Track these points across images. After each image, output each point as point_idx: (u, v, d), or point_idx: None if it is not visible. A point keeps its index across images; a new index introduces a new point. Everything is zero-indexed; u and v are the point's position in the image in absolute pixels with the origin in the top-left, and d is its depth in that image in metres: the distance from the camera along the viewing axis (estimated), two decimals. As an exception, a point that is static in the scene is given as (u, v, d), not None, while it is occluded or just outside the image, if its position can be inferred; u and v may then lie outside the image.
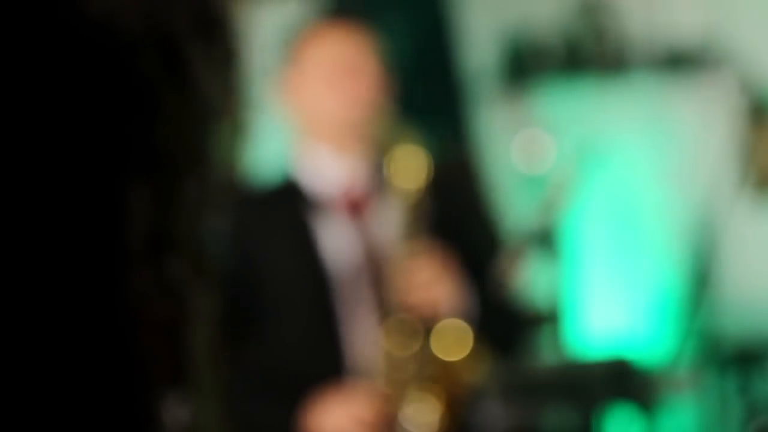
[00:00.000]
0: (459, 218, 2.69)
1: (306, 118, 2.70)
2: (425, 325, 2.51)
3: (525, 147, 5.39)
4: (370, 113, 2.60)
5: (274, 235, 2.64)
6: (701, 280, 3.49)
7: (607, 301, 5.40)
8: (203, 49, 0.64)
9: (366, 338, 2.57)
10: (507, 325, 2.68)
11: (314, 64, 2.65)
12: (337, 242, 2.61)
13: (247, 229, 2.62)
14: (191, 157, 0.65)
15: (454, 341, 2.51)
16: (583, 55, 5.40)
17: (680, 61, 5.47)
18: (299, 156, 2.71)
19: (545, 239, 2.22)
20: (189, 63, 0.64)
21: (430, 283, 2.49)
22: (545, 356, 3.38)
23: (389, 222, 2.62)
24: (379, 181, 2.67)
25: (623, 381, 3.40)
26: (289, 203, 2.66)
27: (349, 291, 2.58)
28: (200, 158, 0.65)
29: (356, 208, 2.65)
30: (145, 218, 0.63)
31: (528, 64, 5.39)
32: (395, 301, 2.51)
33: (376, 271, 2.57)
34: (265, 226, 2.65)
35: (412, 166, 2.55)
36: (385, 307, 2.52)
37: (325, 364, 2.56)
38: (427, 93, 5.00)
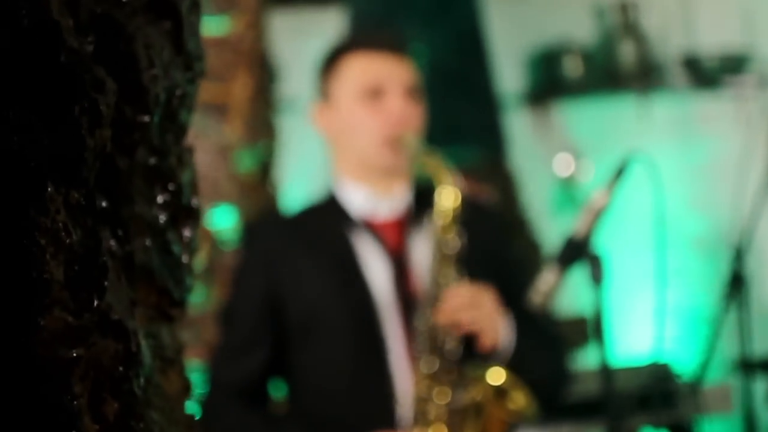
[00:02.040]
0: (492, 250, 2.58)
1: (336, 151, 2.59)
2: (464, 353, 2.39)
3: (562, 166, 5.36)
4: (400, 147, 2.47)
5: (316, 253, 2.52)
6: (731, 291, 3.38)
7: (641, 319, 5.33)
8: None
9: (405, 364, 2.45)
10: (545, 349, 2.55)
11: (341, 94, 2.54)
12: (374, 264, 2.49)
13: (284, 249, 2.51)
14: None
15: (495, 374, 2.38)
16: (618, 73, 5.36)
17: (712, 77, 5.41)
18: (336, 177, 2.60)
19: (581, 257, 2.09)
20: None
21: (469, 308, 2.36)
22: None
23: (423, 250, 2.50)
24: (412, 208, 2.55)
25: (666, 383, 3.31)
26: (329, 221, 2.54)
27: (388, 315, 2.46)
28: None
29: (390, 234, 2.52)
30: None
31: (562, 83, 5.35)
32: (432, 327, 2.38)
33: (411, 296, 2.45)
34: (303, 245, 2.53)
35: (444, 195, 2.43)
36: (421, 334, 2.39)
37: (369, 390, 2.43)
38: (462, 109, 4.94)
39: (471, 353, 2.39)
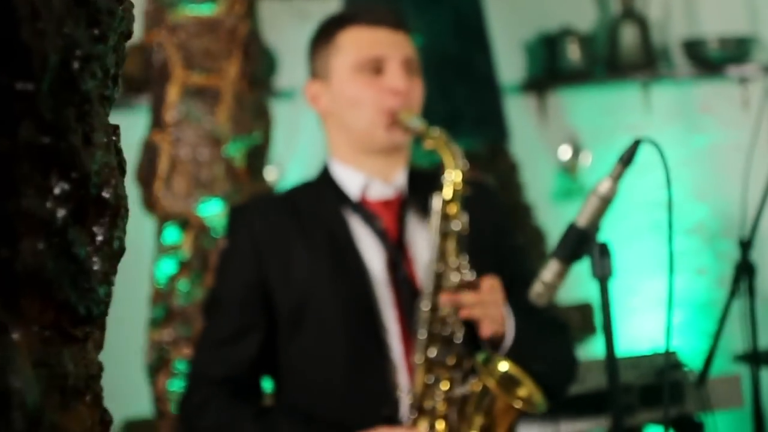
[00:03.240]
0: (495, 231, 2.38)
1: (332, 128, 2.39)
2: (465, 341, 2.19)
3: (563, 153, 5.21)
4: (399, 123, 2.28)
5: (308, 234, 2.32)
6: (736, 284, 3.21)
7: (641, 308, 5.18)
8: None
9: (403, 350, 2.26)
10: (550, 338, 2.36)
11: (338, 69, 2.35)
12: (369, 246, 2.30)
13: (272, 231, 2.31)
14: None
15: (499, 363, 2.19)
16: (620, 60, 5.19)
17: (715, 63, 5.24)
18: (332, 156, 2.40)
19: (584, 249, 1.90)
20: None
21: (474, 302, 2.16)
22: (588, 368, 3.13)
23: (421, 231, 2.31)
24: (408, 188, 2.36)
25: (672, 374, 3.14)
26: (322, 201, 2.35)
27: (384, 300, 2.27)
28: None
29: (386, 215, 2.33)
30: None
31: (563, 70, 5.19)
32: (433, 311, 2.18)
33: (407, 280, 2.26)
34: (294, 226, 2.33)
35: (447, 172, 2.23)
36: (422, 318, 2.19)
37: (366, 380, 2.24)
38: (463, 96, 4.78)
39: (472, 341, 2.20)
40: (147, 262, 3.30)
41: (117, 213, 0.64)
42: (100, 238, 0.62)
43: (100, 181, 0.62)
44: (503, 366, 2.14)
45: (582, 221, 1.95)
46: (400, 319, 2.25)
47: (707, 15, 5.39)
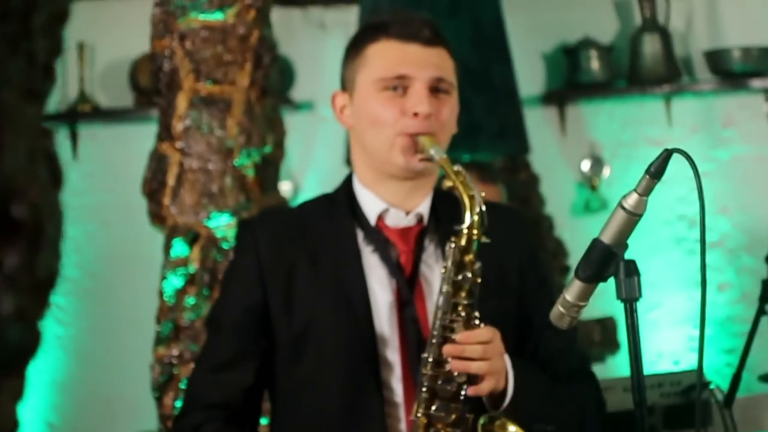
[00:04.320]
0: (519, 273, 2.20)
1: (354, 145, 2.22)
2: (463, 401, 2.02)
3: (583, 166, 5.07)
4: (416, 149, 2.09)
5: (316, 258, 2.15)
6: (763, 301, 3.06)
7: (665, 328, 5.04)
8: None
9: (402, 398, 2.09)
10: (573, 397, 2.18)
11: (362, 84, 2.17)
12: (379, 279, 2.12)
13: (279, 251, 2.15)
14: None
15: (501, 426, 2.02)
16: (641, 71, 5.04)
17: (738, 74, 5.08)
18: (355, 173, 2.23)
19: (610, 268, 1.74)
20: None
21: (480, 355, 1.98)
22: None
23: (436, 266, 2.13)
24: (429, 216, 2.18)
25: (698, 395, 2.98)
26: (336, 223, 2.17)
27: (389, 340, 2.09)
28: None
29: (402, 245, 2.15)
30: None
31: (583, 82, 5.04)
32: (436, 365, 2.00)
33: (416, 320, 2.08)
34: (303, 247, 2.16)
35: (467, 204, 2.04)
36: (425, 370, 2.01)
37: (360, 423, 2.07)
38: (483, 107, 4.63)
39: (470, 398, 2.02)
40: (157, 276, 3.16)
41: (37, 233, 0.49)
42: (11, 265, 0.47)
43: (8, 194, 0.47)
44: (509, 430, 1.98)
45: (607, 238, 1.78)
46: (403, 358, 2.08)
47: (730, 26, 5.23)
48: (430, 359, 2.01)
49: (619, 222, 1.76)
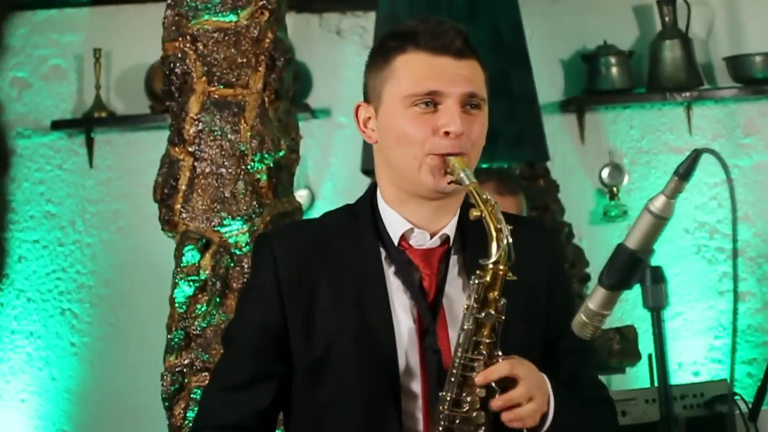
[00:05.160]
0: (544, 293, 2.07)
1: (379, 160, 2.09)
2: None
3: (604, 176, 4.97)
4: (445, 170, 1.98)
5: (338, 278, 2.02)
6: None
7: (686, 338, 4.93)
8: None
9: (424, 421, 1.97)
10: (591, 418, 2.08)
11: (389, 98, 2.03)
12: (402, 303, 2.00)
13: (299, 269, 2.03)
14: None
15: None
16: (661, 77, 4.93)
17: (759, 80, 4.96)
18: (379, 190, 2.09)
19: (635, 275, 1.64)
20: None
21: (523, 397, 1.89)
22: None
23: (462, 291, 2.02)
24: (460, 234, 2.06)
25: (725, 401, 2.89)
26: (359, 241, 2.04)
27: (410, 367, 1.97)
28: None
29: (427, 268, 2.03)
30: None
31: (603, 88, 4.94)
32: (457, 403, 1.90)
33: (438, 348, 1.98)
34: (324, 265, 2.03)
35: (494, 236, 1.92)
36: (439, 415, 1.91)
37: None
38: (502, 114, 4.54)
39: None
40: (168, 283, 3.07)
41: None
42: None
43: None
44: None
45: (632, 243, 1.68)
46: (423, 388, 1.97)
47: (751, 32, 5.12)
48: (448, 398, 1.90)
49: (645, 226, 1.66)
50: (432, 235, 2.03)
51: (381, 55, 2.06)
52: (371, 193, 2.10)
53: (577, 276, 4.58)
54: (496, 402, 1.88)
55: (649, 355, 4.45)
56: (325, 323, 1.99)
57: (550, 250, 2.14)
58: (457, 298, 2.01)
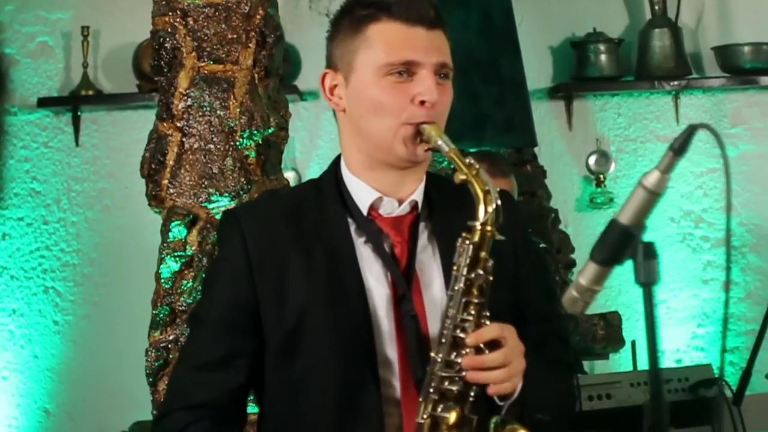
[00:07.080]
0: (513, 258, 2.05)
1: (347, 129, 2.05)
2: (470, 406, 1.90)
3: (590, 163, 4.96)
4: (421, 138, 1.95)
5: (308, 250, 1.98)
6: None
7: (670, 325, 4.93)
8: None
9: (399, 394, 1.95)
10: (556, 383, 2.08)
11: (363, 67, 1.99)
12: (375, 271, 1.98)
13: (268, 243, 1.99)
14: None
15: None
16: (650, 66, 4.92)
17: (747, 70, 4.96)
18: (345, 160, 2.06)
19: (627, 250, 1.62)
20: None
21: (500, 362, 1.87)
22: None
23: (434, 257, 2.01)
24: (428, 200, 2.05)
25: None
26: (328, 212, 2.02)
27: (385, 336, 1.95)
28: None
29: (397, 235, 2.01)
30: None
31: (592, 76, 4.93)
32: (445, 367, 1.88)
33: (414, 315, 1.96)
34: (293, 238, 2.00)
35: (482, 198, 1.89)
36: (431, 377, 1.89)
37: (355, 423, 1.95)
38: (491, 100, 4.52)
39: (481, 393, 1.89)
40: (153, 263, 3.04)
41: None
42: None
43: None
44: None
45: (625, 218, 1.66)
46: (401, 354, 1.95)
47: (740, 22, 5.12)
48: (439, 359, 1.88)
49: (638, 201, 1.64)
50: (400, 202, 2.01)
51: (351, 23, 2.01)
52: (335, 166, 2.07)
53: (562, 261, 4.57)
54: (466, 360, 1.86)
55: (632, 342, 4.45)
56: (297, 296, 1.96)
57: (517, 218, 2.11)
58: (429, 263, 2.00)
